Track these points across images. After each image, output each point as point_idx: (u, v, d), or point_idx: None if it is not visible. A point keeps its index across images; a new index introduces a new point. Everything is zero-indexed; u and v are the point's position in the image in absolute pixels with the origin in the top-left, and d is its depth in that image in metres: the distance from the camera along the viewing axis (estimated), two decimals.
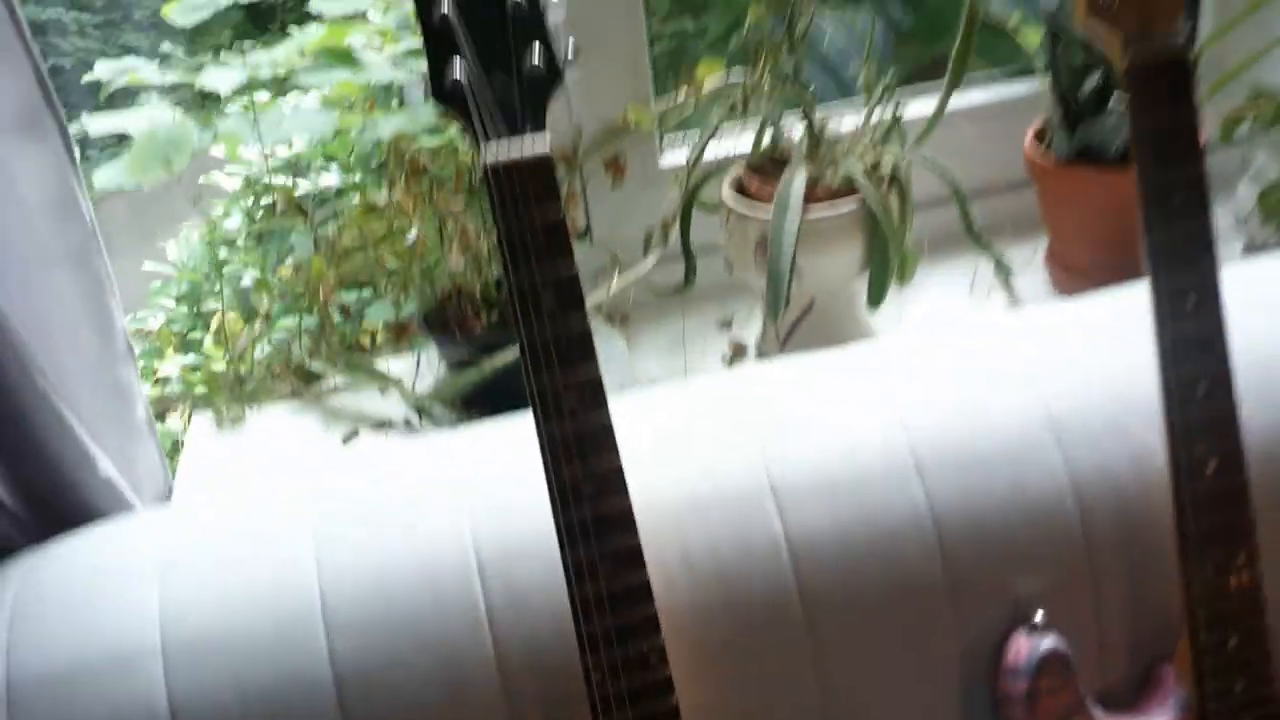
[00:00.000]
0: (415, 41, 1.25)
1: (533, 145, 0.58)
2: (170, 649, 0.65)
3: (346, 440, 0.95)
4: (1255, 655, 0.67)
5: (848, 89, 1.17)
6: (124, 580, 0.68)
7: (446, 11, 0.58)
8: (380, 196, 0.92)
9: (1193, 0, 0.73)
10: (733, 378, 0.85)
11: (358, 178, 1.05)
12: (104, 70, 1.00)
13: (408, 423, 0.93)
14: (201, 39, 1.58)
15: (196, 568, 0.69)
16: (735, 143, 0.98)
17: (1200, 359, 0.65)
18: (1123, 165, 0.94)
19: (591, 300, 0.94)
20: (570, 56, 0.60)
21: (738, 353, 1.00)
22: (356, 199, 0.95)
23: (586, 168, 0.97)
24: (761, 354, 0.99)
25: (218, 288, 1.20)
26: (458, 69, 0.57)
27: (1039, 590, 0.69)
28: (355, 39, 1.10)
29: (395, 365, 1.00)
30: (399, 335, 1.01)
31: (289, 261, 1.09)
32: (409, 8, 1.17)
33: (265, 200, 1.13)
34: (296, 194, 1.03)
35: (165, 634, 0.65)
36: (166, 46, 1.33)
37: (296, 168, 1.11)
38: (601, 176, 0.98)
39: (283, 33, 1.32)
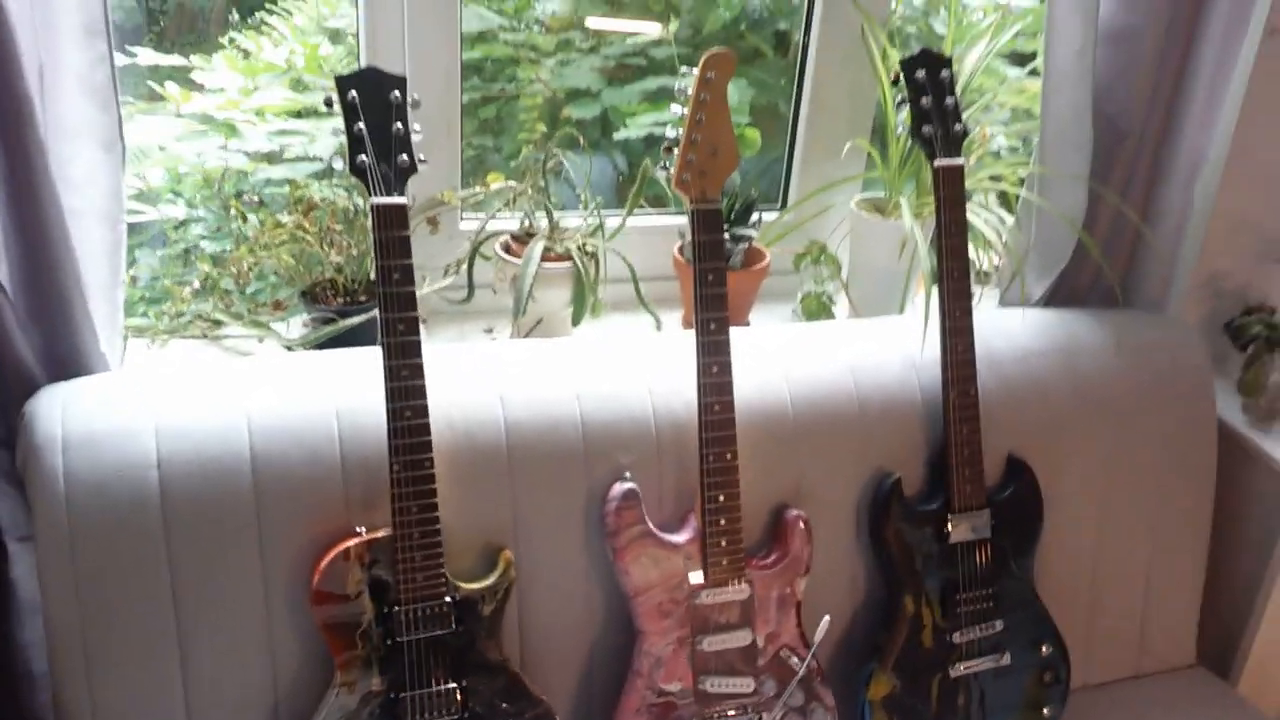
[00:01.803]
0: (283, 123, 1.87)
1: (397, 200, 1.19)
2: (161, 445, 1.19)
3: None
4: (735, 505, 1.33)
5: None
6: (131, 404, 1.23)
7: (361, 125, 1.20)
8: (284, 216, 1.50)
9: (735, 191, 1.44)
10: (487, 348, 1.48)
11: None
12: None
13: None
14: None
15: (180, 406, 1.24)
16: (508, 221, 1.63)
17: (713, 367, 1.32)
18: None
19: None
20: (421, 160, 1.23)
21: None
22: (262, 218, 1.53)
23: (415, 220, 1.60)
24: None
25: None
26: (364, 158, 1.19)
27: (631, 461, 1.33)
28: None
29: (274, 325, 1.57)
30: (276, 308, 1.58)
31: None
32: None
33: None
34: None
35: (159, 440, 1.20)
36: None
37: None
38: (425, 227, 1.60)
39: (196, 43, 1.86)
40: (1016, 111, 1.95)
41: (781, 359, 1.46)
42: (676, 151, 1.31)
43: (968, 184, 1.72)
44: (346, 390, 1.26)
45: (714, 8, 2.28)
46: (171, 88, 1.90)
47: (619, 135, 2.02)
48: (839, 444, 1.44)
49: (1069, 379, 1.57)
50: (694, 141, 1.30)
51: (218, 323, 1.53)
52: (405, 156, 1.20)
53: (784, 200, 1.90)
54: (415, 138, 1.23)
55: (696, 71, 1.29)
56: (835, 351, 1.49)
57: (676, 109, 1.31)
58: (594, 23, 2.24)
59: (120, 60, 1.93)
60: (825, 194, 1.78)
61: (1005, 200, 1.79)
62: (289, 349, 1.49)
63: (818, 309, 1.71)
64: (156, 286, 1.80)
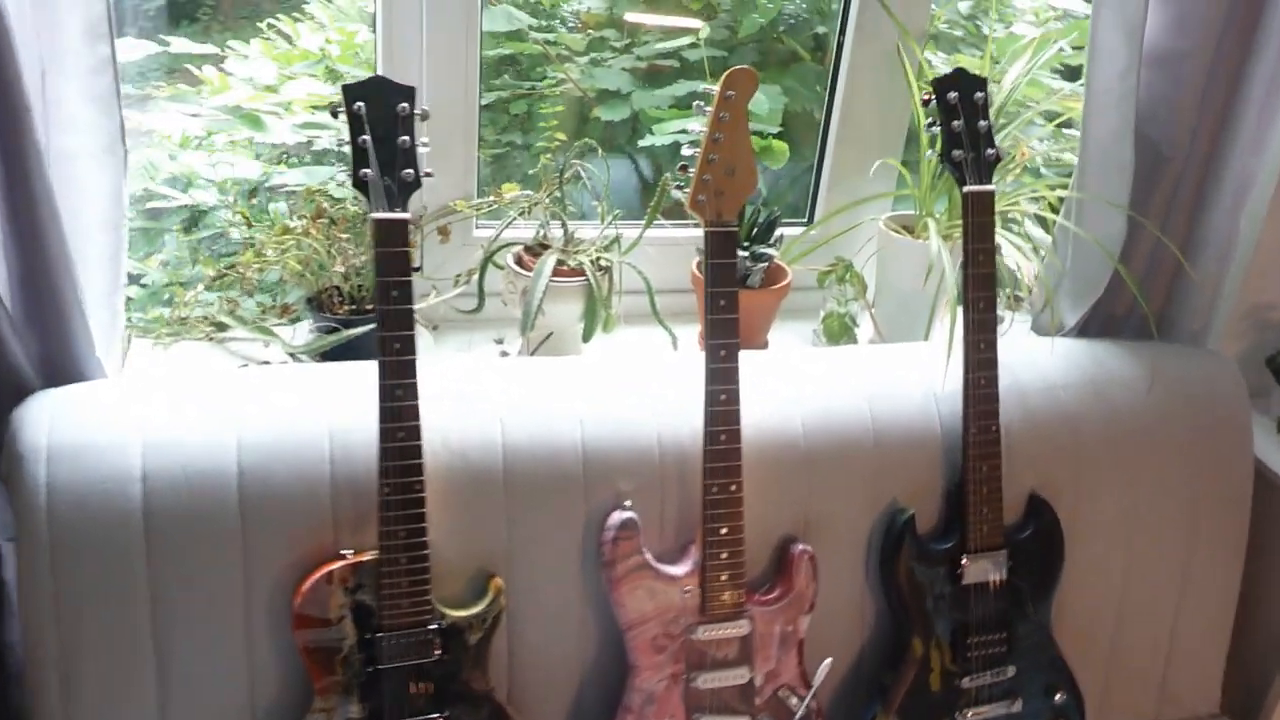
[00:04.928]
0: (309, 115, 1.84)
1: (399, 215, 1.16)
2: (146, 459, 1.17)
3: (240, 369, 1.48)
4: (738, 538, 1.28)
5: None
6: (118, 415, 1.20)
7: (366, 138, 1.16)
8: (293, 221, 1.47)
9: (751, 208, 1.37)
10: (488, 366, 1.44)
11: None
12: None
13: (283, 364, 1.47)
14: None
15: (168, 418, 1.21)
16: (525, 229, 1.59)
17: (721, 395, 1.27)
18: (744, 286, 1.59)
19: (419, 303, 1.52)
20: (426, 173, 1.19)
21: (503, 358, 1.58)
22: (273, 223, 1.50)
23: (426, 229, 1.56)
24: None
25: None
26: (367, 172, 1.15)
27: (632, 489, 1.29)
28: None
29: (280, 331, 1.54)
30: (284, 312, 1.55)
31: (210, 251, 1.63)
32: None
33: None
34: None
35: (145, 454, 1.17)
36: None
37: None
38: (437, 236, 1.57)
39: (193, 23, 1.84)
40: (1059, 128, 1.88)
41: (795, 385, 1.40)
42: (693, 170, 1.26)
43: (1003, 205, 1.66)
44: (341, 407, 1.23)
45: (749, 10, 2.22)
46: (210, 71, 1.88)
47: (645, 142, 1.97)
48: (851, 476, 1.39)
49: (1098, 413, 1.50)
50: (711, 161, 1.25)
51: (223, 325, 1.50)
52: (410, 171, 1.16)
53: (811, 215, 1.84)
54: (422, 150, 1.19)
55: (717, 89, 1.24)
56: (852, 379, 1.43)
57: (695, 126, 1.26)
58: (632, 17, 2.19)
59: (153, 49, 1.94)
60: (854, 211, 1.72)
61: (1044, 221, 1.72)
62: (292, 356, 1.46)
63: (839, 330, 1.65)
64: (177, 275, 1.79)
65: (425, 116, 1.20)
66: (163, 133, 1.89)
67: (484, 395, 1.29)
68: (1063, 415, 1.48)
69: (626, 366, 1.40)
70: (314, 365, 1.36)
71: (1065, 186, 1.67)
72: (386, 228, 1.15)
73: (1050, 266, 1.68)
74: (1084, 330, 1.64)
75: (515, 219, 1.56)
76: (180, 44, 1.93)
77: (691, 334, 1.68)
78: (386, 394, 1.15)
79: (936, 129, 1.37)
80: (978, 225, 1.35)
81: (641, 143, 1.97)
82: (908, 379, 1.45)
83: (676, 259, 1.67)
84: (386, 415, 1.15)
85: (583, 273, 1.49)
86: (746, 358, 1.42)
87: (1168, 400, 1.53)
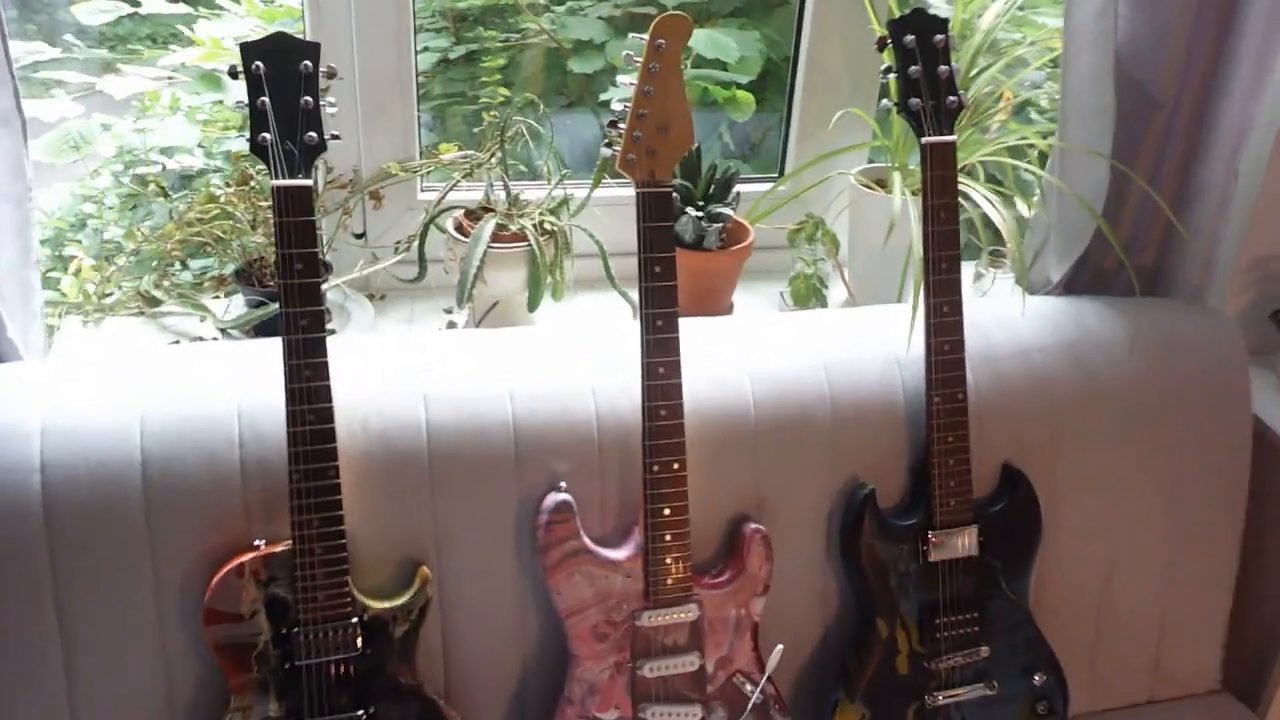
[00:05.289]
0: None
1: (300, 181, 1.08)
2: (46, 447, 1.11)
3: (171, 345, 1.42)
4: (682, 519, 1.20)
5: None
6: (20, 401, 1.14)
7: (265, 99, 1.08)
8: (217, 190, 1.39)
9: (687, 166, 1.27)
10: (406, 338, 1.35)
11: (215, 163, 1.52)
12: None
13: (215, 339, 1.41)
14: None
15: (70, 403, 1.15)
16: (475, 191, 1.51)
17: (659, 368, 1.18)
18: (691, 249, 1.51)
19: (358, 271, 1.45)
20: (333, 136, 1.11)
21: (450, 328, 1.51)
22: (200, 187, 1.43)
23: (355, 197, 1.49)
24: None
25: (79, 236, 1.65)
26: (266, 135, 1.07)
27: (568, 470, 1.21)
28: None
29: (213, 304, 1.48)
30: (219, 284, 1.48)
31: (148, 224, 1.56)
32: None
33: (135, 171, 1.60)
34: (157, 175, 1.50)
35: (44, 441, 1.11)
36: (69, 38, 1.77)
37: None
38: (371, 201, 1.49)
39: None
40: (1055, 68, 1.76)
41: (747, 354, 1.32)
42: (623, 126, 1.17)
43: (983, 154, 1.56)
44: (251, 387, 1.16)
45: None
46: (202, 30, 1.79)
47: (606, 95, 1.87)
48: (807, 450, 1.31)
49: (1075, 377, 1.40)
50: (641, 116, 1.16)
51: (155, 300, 1.44)
52: (313, 134, 1.09)
53: (782, 169, 1.74)
54: (329, 111, 1.11)
55: (646, 38, 1.15)
56: (811, 346, 1.35)
57: (624, 80, 1.17)
58: None
59: (124, 9, 1.87)
60: (824, 164, 1.62)
61: (1033, 172, 1.60)
62: (224, 331, 1.40)
63: (807, 293, 1.56)
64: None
65: (333, 74, 1.12)
66: (144, 98, 1.81)
67: (408, 371, 1.22)
68: (1037, 380, 1.39)
69: (567, 337, 1.32)
70: (228, 343, 1.29)
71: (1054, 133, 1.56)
72: (287, 195, 1.08)
73: (1038, 220, 1.58)
74: (1069, 287, 1.54)
75: (459, 181, 1.48)
76: (154, 3, 1.86)
77: None
78: (294, 374, 1.08)
79: (893, 75, 1.27)
80: (937, 179, 1.25)
81: (604, 95, 1.88)
82: (870, 344, 1.36)
83: (632, 219, 1.58)
84: (294, 397, 1.08)
85: (525, 238, 1.40)
86: (699, 325, 1.34)
87: (1152, 361, 1.43)
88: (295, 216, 1.08)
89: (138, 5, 1.82)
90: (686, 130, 1.18)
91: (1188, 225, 1.51)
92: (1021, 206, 1.65)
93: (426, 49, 2.03)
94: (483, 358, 1.26)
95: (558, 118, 2.01)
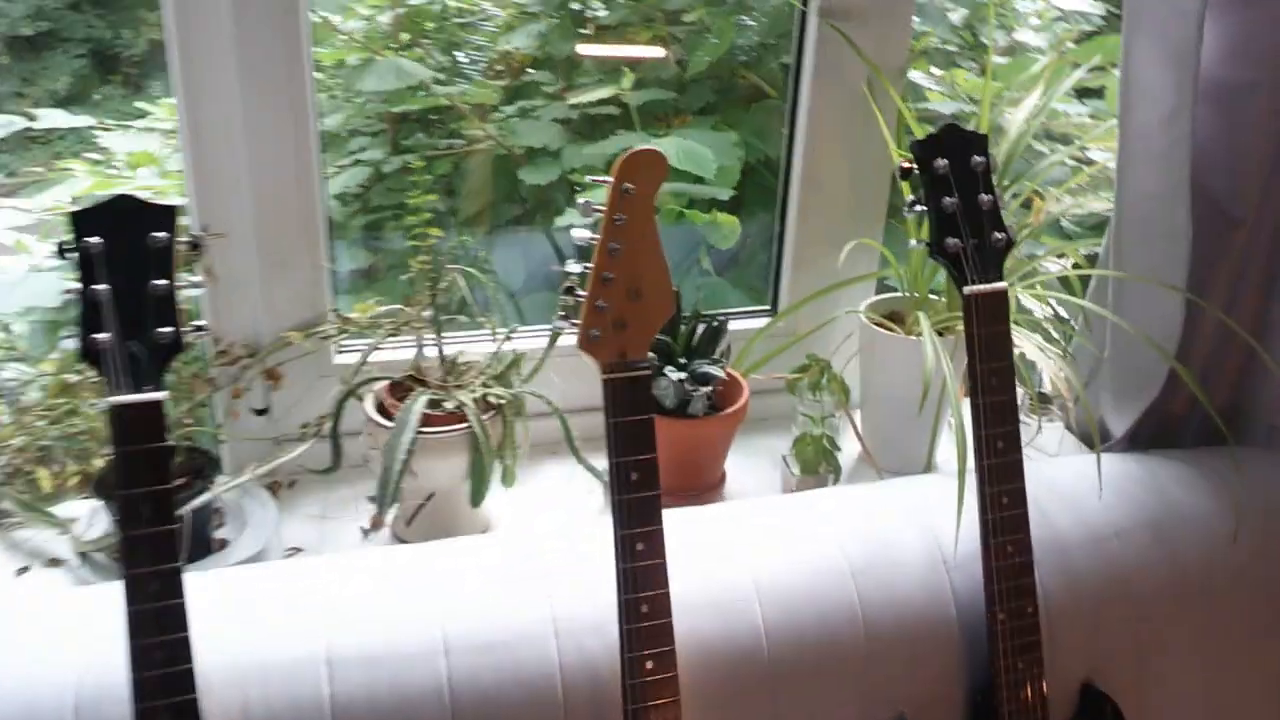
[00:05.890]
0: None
1: (148, 396, 0.79)
2: None
3: (19, 574, 1.11)
4: None
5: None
6: None
7: (101, 289, 0.80)
8: (72, 377, 1.10)
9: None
10: (302, 565, 1.07)
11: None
12: None
13: (74, 563, 1.10)
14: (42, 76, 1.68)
15: None
16: (396, 354, 1.22)
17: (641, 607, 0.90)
18: (674, 416, 1.22)
19: (253, 471, 1.15)
20: (200, 326, 0.83)
21: (375, 525, 1.21)
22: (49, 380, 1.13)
23: (254, 371, 1.20)
24: (394, 531, 1.21)
25: None
26: (101, 336, 0.79)
27: None
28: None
29: (77, 507, 1.17)
30: (84, 483, 1.18)
31: None
32: None
33: None
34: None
35: None
36: None
37: None
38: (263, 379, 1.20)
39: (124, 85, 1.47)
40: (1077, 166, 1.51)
41: (751, 559, 1.03)
42: (582, 293, 0.89)
43: (1025, 288, 1.30)
44: (96, 646, 0.86)
45: (702, 41, 1.86)
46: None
47: (563, 220, 1.60)
48: (835, 686, 1.02)
49: (1164, 565, 1.13)
50: (606, 281, 0.89)
51: (4, 513, 1.14)
52: (167, 330, 0.81)
53: (775, 302, 1.46)
54: (193, 292, 0.83)
55: (611, 180, 0.88)
56: (831, 544, 1.06)
57: (583, 234, 0.90)
58: (585, 49, 1.83)
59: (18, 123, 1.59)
60: (827, 299, 1.35)
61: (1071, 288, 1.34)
62: (83, 556, 1.10)
63: (817, 458, 1.27)
64: None
65: (196, 245, 0.85)
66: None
67: (306, 622, 0.92)
68: (1116, 573, 1.11)
69: (520, 549, 1.03)
70: (73, 593, 0.99)
71: (1092, 241, 1.31)
72: (130, 417, 0.79)
73: (1080, 351, 1.31)
74: (1133, 439, 1.27)
75: (380, 343, 1.19)
76: (55, 117, 1.58)
77: None
78: (139, 628, 0.79)
79: (921, 208, 1.00)
80: (987, 338, 0.98)
81: (560, 220, 1.61)
82: (906, 539, 1.08)
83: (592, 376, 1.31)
84: (141, 660, 0.79)
85: (464, 418, 1.12)
86: (685, 517, 1.06)
87: (1258, 536, 1.16)
88: (141, 444, 0.79)
89: (33, 119, 1.55)
90: (665, 295, 0.91)
91: (1274, 357, 1.25)
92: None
93: (359, 162, 1.78)
94: (408, 591, 0.96)
95: (506, 237, 1.74)
